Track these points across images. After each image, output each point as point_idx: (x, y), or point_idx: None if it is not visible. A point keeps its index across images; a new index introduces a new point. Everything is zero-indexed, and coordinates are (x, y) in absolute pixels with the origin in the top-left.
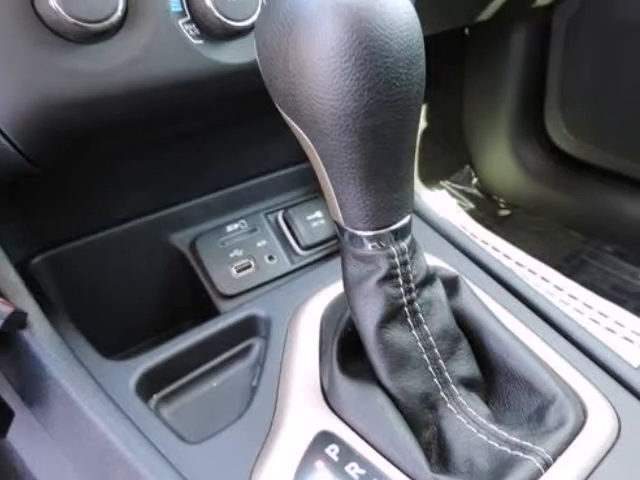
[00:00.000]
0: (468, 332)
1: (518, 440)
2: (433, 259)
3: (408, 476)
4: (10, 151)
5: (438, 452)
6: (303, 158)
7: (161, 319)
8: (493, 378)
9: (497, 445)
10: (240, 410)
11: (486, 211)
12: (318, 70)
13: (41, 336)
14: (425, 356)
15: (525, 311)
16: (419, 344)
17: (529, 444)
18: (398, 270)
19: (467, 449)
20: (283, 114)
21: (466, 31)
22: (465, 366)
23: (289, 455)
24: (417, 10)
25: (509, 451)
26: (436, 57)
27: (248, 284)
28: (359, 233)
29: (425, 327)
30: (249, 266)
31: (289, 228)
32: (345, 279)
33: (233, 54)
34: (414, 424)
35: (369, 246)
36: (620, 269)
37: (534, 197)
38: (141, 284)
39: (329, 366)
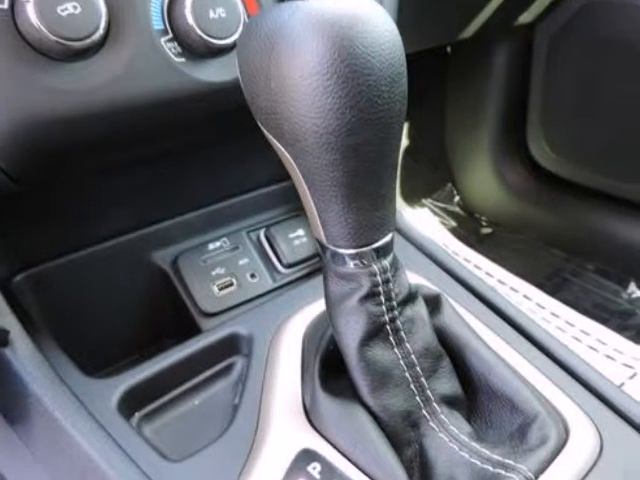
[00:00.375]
0: (450, 350)
1: (500, 458)
2: (415, 277)
3: None
4: None
5: (420, 470)
6: (285, 176)
7: (143, 337)
8: (475, 396)
9: (479, 463)
10: (222, 428)
11: (468, 229)
12: (300, 88)
13: (23, 354)
14: (407, 374)
15: (507, 329)
16: (401, 362)
17: (511, 462)
18: (380, 288)
19: (449, 467)
20: (265, 132)
21: (448, 49)
22: (447, 384)
23: (271, 473)
24: (399, 28)
25: (491, 469)
26: (418, 75)
27: (230, 302)
28: (341, 251)
29: (407, 345)
30: (231, 284)
31: (271, 246)
32: (327, 297)
33: (215, 72)
34: (396, 442)
35: (351, 264)
36: (602, 287)
37: (516, 215)
38: (123, 302)
39: (311, 384)
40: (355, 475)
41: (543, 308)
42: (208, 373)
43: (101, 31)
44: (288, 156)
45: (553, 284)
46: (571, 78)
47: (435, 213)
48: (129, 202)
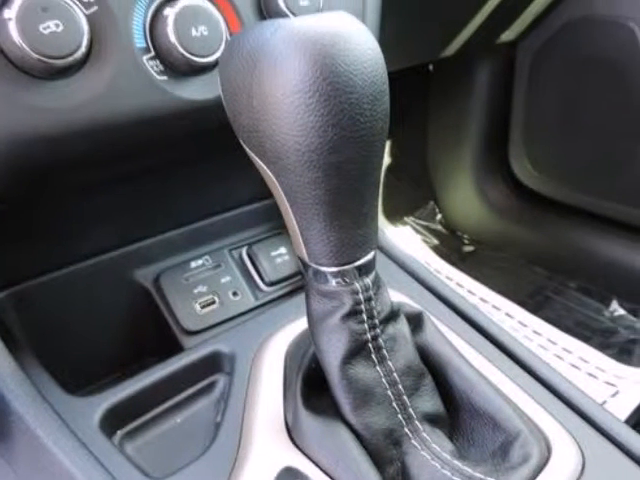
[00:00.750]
0: (432, 368)
1: (482, 476)
2: (397, 295)
3: None
4: None
5: None
6: (267, 194)
7: (125, 355)
8: (457, 414)
9: None
10: (204, 446)
11: (450, 247)
12: (282, 106)
13: (5, 372)
14: (389, 392)
15: (489, 347)
16: (383, 380)
17: None
18: (362, 306)
19: None
20: (247, 150)
21: (430, 67)
22: (429, 402)
23: None
24: (381, 46)
25: None
26: (400, 93)
27: (212, 320)
28: (323, 269)
29: (389, 363)
30: (213, 302)
31: (253, 264)
32: (309, 315)
33: (197, 90)
34: (378, 460)
35: (333, 282)
36: (584, 305)
37: (498, 233)
38: (105, 320)
39: (293, 402)
40: None
41: (525, 326)
42: (190, 391)
43: (83, 49)
44: (270, 174)
45: (535, 302)
46: (553, 96)
47: (417, 231)
48: (111, 220)
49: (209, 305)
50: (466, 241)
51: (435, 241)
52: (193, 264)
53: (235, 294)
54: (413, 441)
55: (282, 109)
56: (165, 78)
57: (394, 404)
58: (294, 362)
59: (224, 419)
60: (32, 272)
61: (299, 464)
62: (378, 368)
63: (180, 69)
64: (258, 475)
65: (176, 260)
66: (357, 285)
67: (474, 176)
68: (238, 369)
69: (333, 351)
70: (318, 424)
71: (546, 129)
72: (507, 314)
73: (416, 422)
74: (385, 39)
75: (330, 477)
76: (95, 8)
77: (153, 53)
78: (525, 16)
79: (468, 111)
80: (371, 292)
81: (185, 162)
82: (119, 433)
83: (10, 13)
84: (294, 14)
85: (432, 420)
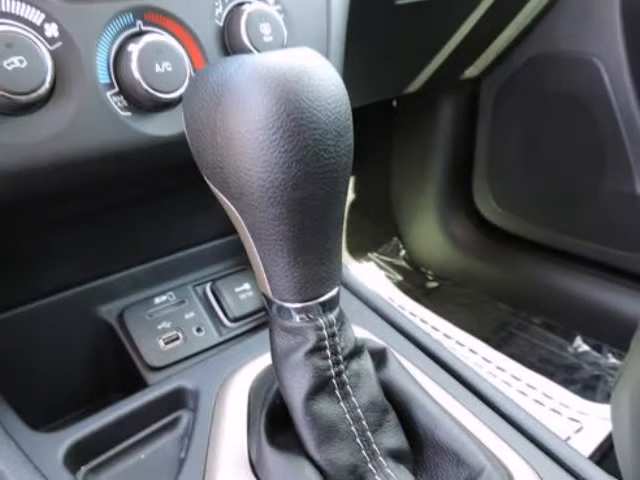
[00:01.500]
0: (396, 404)
1: None
2: (361, 331)
3: None
4: None
5: None
6: (231, 230)
7: (89, 391)
8: (421, 450)
9: None
10: None
11: (414, 283)
12: (246, 142)
13: None
14: (353, 428)
15: (453, 383)
16: (347, 416)
17: None
18: (326, 342)
19: None
20: (211, 186)
21: (394, 103)
22: (393, 438)
23: None
24: (345, 82)
25: None
26: (364, 129)
27: (176, 356)
28: (287, 305)
29: (353, 399)
30: (177, 338)
31: (217, 300)
32: (273, 351)
33: (161, 126)
34: None
35: (297, 318)
36: (548, 341)
37: (462, 269)
38: (70, 356)
39: (257, 438)
40: None
41: (489, 362)
42: (154, 427)
43: (47, 85)
44: (234, 210)
45: (499, 338)
46: (516, 132)
47: (381, 267)
48: (75, 256)
49: (173, 341)
50: (430, 277)
51: (399, 277)
52: (157, 300)
53: (199, 330)
54: (377, 477)
55: (246, 145)
56: (129, 114)
57: (358, 440)
58: (258, 398)
59: (188, 455)
60: None
61: None
62: (342, 404)
63: (144, 105)
64: None
65: (140, 296)
66: (321, 321)
67: (438, 212)
68: (202, 405)
69: (297, 387)
70: (282, 460)
71: (509, 165)
72: (471, 350)
73: (380, 458)
74: (349, 75)
75: None
76: (59, 44)
77: (117, 89)
78: (489, 52)
79: (432, 147)
80: (335, 328)
81: (149, 198)
82: (83, 469)
83: None
84: (258, 50)
85: (396, 456)
